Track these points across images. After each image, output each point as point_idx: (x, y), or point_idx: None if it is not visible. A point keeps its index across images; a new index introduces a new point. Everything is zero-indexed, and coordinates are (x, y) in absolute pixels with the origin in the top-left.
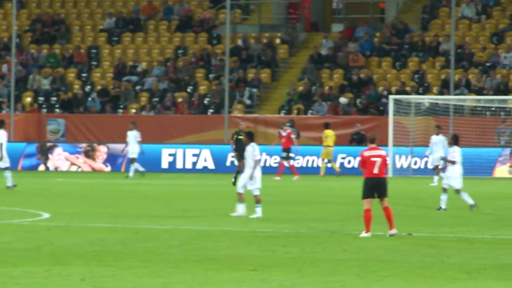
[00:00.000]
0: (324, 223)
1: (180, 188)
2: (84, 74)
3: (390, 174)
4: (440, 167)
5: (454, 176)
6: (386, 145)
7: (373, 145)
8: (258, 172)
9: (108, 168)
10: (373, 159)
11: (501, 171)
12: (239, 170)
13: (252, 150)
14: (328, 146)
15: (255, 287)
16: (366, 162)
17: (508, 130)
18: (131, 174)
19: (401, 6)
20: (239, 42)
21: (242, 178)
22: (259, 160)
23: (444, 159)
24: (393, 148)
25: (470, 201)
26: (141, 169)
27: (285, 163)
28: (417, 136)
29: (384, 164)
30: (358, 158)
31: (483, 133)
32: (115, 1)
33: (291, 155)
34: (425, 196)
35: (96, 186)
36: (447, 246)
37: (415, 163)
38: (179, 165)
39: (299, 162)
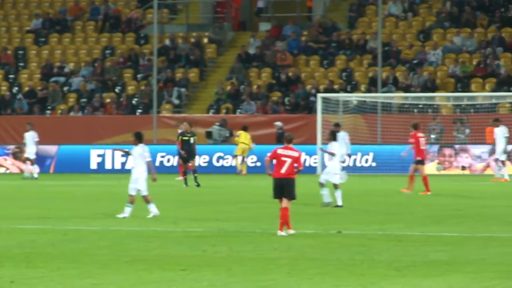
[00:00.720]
0: (253, 222)
1: (109, 189)
2: (11, 75)
3: (319, 172)
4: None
5: (333, 172)
6: (315, 143)
7: (289, 145)
8: (145, 174)
9: (36, 170)
10: (283, 158)
11: (429, 168)
12: (185, 171)
13: (142, 151)
14: (243, 143)
15: (186, 287)
16: (276, 159)
17: (438, 127)
18: (26, 174)
19: (328, 5)
20: (167, 42)
21: (131, 180)
22: (150, 161)
23: (322, 149)
24: (322, 146)
25: (339, 201)
26: (36, 174)
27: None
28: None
29: (293, 165)
30: (269, 153)
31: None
32: (41, 2)
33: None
34: (354, 193)
35: (24, 187)
36: (376, 244)
37: (344, 161)
38: (108, 165)
39: (228, 161)
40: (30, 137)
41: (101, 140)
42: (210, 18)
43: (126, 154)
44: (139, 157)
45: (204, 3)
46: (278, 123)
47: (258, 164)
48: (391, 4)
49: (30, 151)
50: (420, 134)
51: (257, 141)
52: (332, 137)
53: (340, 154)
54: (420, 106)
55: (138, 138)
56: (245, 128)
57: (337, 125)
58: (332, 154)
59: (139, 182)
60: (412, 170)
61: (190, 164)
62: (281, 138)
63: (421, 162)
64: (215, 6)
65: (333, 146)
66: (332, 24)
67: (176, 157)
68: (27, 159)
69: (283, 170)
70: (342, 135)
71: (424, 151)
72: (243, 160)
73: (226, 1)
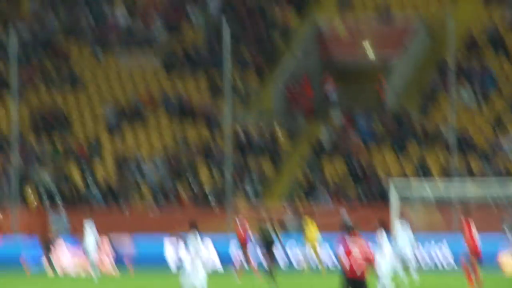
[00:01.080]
0: None
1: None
2: (85, 167)
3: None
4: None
5: (383, 274)
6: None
7: (357, 234)
8: (200, 266)
9: (115, 273)
10: (352, 250)
11: (506, 259)
12: (264, 267)
13: (197, 241)
14: (311, 232)
15: None
16: (346, 251)
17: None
18: (94, 275)
19: (400, 93)
20: (240, 131)
21: (188, 275)
22: (203, 252)
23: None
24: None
25: None
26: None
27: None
28: (419, 224)
29: (364, 262)
30: (339, 246)
31: (486, 220)
32: (114, 91)
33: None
34: None
35: (100, 285)
36: None
37: (408, 258)
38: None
39: (302, 252)
40: (91, 233)
41: (175, 231)
42: (283, 107)
43: (182, 243)
44: (193, 247)
45: (277, 91)
46: (344, 212)
47: (331, 254)
48: (463, 92)
49: (91, 249)
50: (471, 223)
51: (329, 230)
52: (381, 226)
53: (401, 248)
54: (495, 196)
55: (193, 227)
56: (311, 218)
57: (401, 217)
58: (382, 252)
59: (194, 275)
60: (473, 265)
61: (268, 259)
62: (346, 228)
63: (475, 257)
64: (287, 95)
65: (383, 238)
66: (404, 111)
67: (244, 251)
68: (94, 260)
69: (356, 269)
70: (404, 227)
71: (477, 242)
72: (315, 253)
73: (298, 90)
